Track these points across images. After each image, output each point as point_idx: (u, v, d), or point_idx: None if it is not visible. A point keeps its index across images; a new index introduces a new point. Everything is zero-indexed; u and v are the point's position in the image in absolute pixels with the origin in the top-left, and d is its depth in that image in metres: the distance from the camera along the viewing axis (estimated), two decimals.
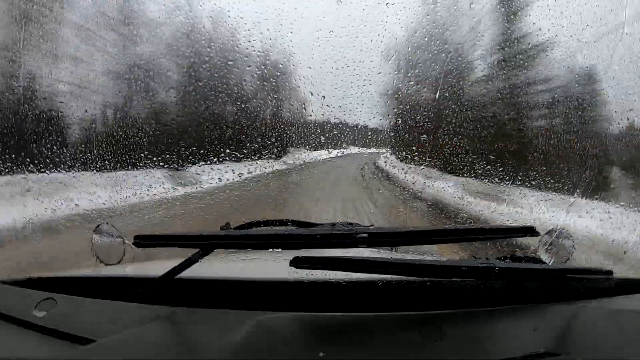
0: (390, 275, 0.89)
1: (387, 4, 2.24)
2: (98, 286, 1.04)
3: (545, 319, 0.86)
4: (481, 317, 0.86)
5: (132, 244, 0.96)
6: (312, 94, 2.24)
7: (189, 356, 0.76)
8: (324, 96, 2.21)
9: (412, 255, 1.16)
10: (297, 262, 0.82)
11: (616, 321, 0.88)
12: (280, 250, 1.04)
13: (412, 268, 0.85)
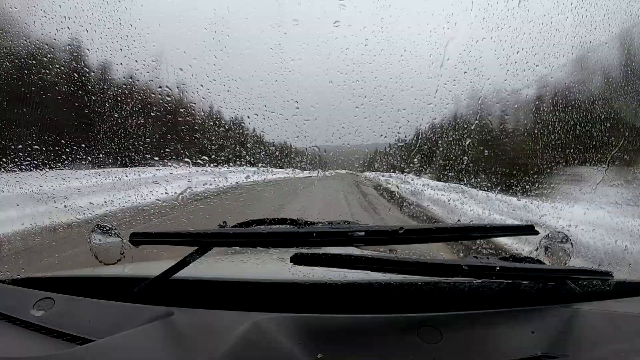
0: (388, 276, 0.88)
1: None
2: (96, 286, 1.04)
3: (543, 322, 0.86)
4: (479, 319, 0.86)
5: (128, 241, 0.95)
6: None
7: (186, 357, 0.76)
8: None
9: (412, 255, 1.16)
10: (297, 260, 0.82)
11: (614, 324, 0.88)
12: (277, 249, 1.03)
13: (412, 266, 0.84)
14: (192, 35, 2.34)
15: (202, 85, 2.06)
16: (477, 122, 2.64)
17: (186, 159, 2.24)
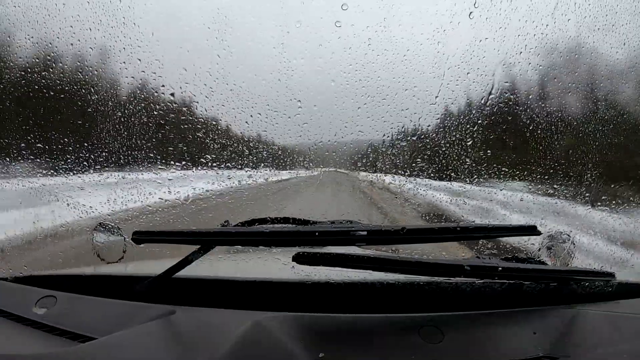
0: (390, 276, 0.88)
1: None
2: (98, 284, 1.05)
3: (545, 322, 0.85)
4: (481, 319, 0.86)
5: (131, 239, 0.96)
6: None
7: (187, 355, 0.76)
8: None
9: (414, 255, 1.16)
10: (298, 259, 0.82)
11: (616, 325, 0.87)
12: (280, 249, 1.03)
13: (414, 266, 0.84)
14: (195, 34, 2.34)
15: (205, 84, 2.06)
16: (480, 122, 2.64)
17: (189, 158, 2.24)
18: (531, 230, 0.98)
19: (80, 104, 2.27)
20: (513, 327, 0.85)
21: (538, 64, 2.28)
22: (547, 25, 2.19)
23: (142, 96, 2.17)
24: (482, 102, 2.53)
